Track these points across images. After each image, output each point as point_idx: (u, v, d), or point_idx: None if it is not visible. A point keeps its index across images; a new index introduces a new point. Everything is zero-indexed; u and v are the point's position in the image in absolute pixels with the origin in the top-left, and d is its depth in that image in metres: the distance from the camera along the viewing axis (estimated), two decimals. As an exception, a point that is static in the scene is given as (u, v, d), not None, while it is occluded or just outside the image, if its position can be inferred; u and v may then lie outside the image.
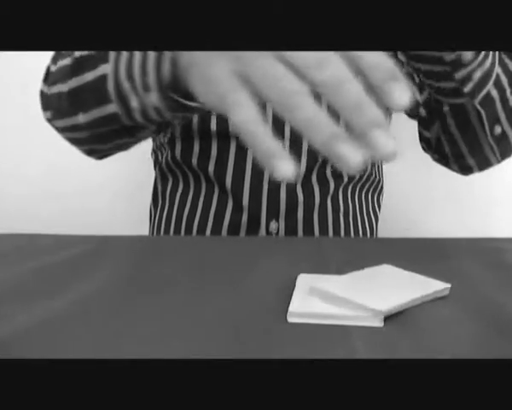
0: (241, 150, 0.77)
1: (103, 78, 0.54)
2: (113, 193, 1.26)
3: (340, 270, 0.52)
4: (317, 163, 0.78)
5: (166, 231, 0.84)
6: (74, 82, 0.59)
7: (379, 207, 0.91)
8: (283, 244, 0.63)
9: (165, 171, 0.85)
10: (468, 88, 0.58)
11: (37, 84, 0.66)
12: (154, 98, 0.50)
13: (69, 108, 0.60)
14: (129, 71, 0.51)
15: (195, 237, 0.77)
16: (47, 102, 0.65)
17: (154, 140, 0.89)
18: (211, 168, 0.79)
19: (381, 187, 0.91)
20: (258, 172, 0.77)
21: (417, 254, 0.59)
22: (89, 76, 0.57)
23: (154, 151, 0.89)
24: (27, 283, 0.52)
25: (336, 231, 0.81)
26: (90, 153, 0.68)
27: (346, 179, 0.81)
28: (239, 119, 0.38)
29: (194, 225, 0.80)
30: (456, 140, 0.67)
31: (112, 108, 0.55)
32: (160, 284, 0.52)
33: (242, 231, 0.79)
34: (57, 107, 0.62)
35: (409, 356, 0.40)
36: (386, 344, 0.42)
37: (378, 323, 0.44)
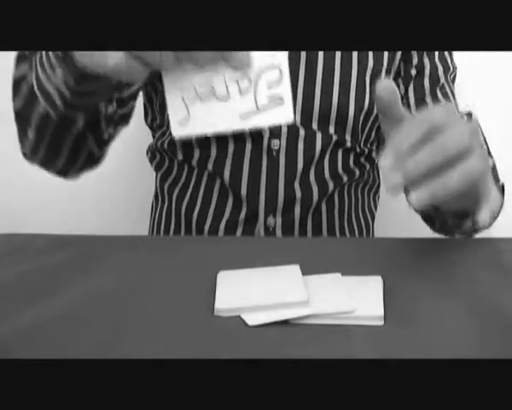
0: (240, 146, 0.78)
1: (31, 87, 0.61)
2: (113, 193, 1.26)
3: (339, 270, 0.52)
4: (313, 161, 0.78)
5: (167, 224, 0.84)
6: (16, 104, 0.68)
7: (375, 206, 0.91)
8: (283, 244, 0.63)
9: (166, 165, 0.85)
10: (470, 234, 0.62)
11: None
12: (59, 74, 0.54)
13: (21, 131, 0.69)
14: (40, 60, 0.56)
15: (195, 237, 0.77)
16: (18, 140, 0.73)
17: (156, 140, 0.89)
18: (210, 164, 0.79)
19: (378, 187, 0.91)
20: (256, 166, 0.78)
21: (417, 254, 0.59)
22: (23, 89, 0.65)
23: (152, 151, 0.89)
24: (26, 283, 0.52)
25: (331, 229, 0.81)
26: (62, 174, 0.74)
27: (345, 180, 0.82)
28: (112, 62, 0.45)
29: (193, 219, 0.81)
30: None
31: (41, 107, 0.62)
32: (158, 284, 0.52)
33: (240, 226, 0.79)
34: (20, 140, 0.71)
35: (409, 356, 0.40)
36: (386, 344, 0.42)
37: (378, 322, 0.45)
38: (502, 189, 0.71)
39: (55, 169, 0.73)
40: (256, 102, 0.47)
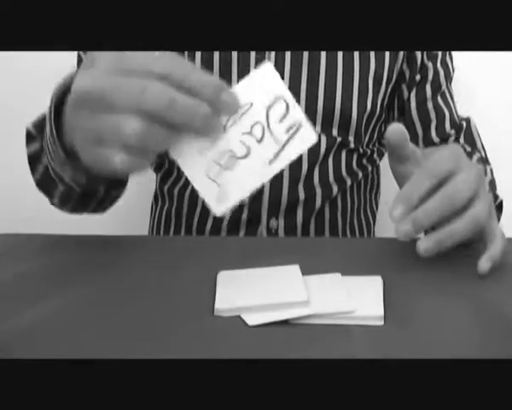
0: None
1: (47, 169, 0.62)
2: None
3: (339, 270, 0.52)
4: (317, 163, 0.78)
5: (167, 226, 0.84)
6: (35, 177, 0.68)
7: (376, 205, 0.92)
8: (283, 244, 0.63)
9: (166, 167, 0.85)
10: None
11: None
12: (69, 171, 0.56)
13: (46, 195, 0.70)
14: (49, 154, 0.57)
15: (195, 237, 0.77)
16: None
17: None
18: None
19: (378, 184, 0.92)
20: None
21: (417, 254, 0.59)
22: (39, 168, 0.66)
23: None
24: (26, 283, 0.52)
25: (333, 231, 0.82)
26: (91, 213, 0.74)
27: (349, 183, 0.82)
28: (114, 166, 0.44)
29: (194, 221, 0.81)
30: None
31: (60, 188, 0.63)
32: (158, 284, 0.52)
33: (242, 228, 0.79)
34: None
35: (409, 356, 0.40)
36: (386, 344, 0.42)
37: (378, 322, 0.45)
38: (500, 205, 0.71)
39: (84, 213, 0.75)
40: (277, 142, 0.46)
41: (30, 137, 0.66)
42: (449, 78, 0.85)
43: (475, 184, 0.52)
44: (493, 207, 0.57)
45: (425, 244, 0.51)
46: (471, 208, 0.52)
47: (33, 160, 0.66)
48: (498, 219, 0.69)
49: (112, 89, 0.43)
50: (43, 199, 0.73)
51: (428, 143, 0.84)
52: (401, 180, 0.56)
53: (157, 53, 0.43)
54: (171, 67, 0.43)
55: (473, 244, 0.56)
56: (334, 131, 0.79)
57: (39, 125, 0.63)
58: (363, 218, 0.87)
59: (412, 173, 0.53)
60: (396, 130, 0.53)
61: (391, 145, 0.54)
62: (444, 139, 0.83)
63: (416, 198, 0.50)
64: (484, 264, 0.53)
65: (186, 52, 0.77)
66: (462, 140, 0.83)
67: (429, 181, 0.51)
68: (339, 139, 0.79)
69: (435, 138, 0.83)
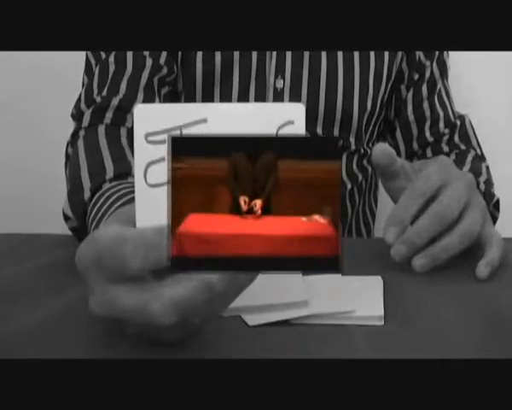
0: None
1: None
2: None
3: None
4: None
5: None
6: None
7: (375, 203, 0.92)
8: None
9: None
10: None
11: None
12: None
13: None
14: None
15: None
16: None
17: None
18: None
19: (376, 185, 0.92)
20: None
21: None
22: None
23: None
24: (27, 283, 0.52)
25: None
26: None
27: (349, 187, 0.82)
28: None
29: None
30: None
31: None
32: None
33: None
34: None
35: (409, 356, 0.40)
36: (386, 344, 0.42)
37: (378, 322, 0.45)
38: (497, 204, 0.71)
39: None
40: None
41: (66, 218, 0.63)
42: (445, 74, 0.86)
43: (465, 196, 0.53)
44: (487, 213, 0.58)
45: (420, 261, 0.53)
46: (463, 221, 0.53)
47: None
48: (497, 218, 0.69)
49: (125, 318, 0.37)
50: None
51: (422, 142, 0.84)
52: (394, 195, 0.57)
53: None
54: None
55: (470, 251, 0.56)
56: (336, 133, 0.79)
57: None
58: (362, 219, 0.87)
59: (404, 188, 0.54)
60: (382, 150, 0.54)
61: (379, 166, 0.55)
62: (438, 139, 0.83)
63: (407, 219, 0.52)
64: (483, 270, 0.53)
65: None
66: (456, 138, 0.83)
67: (419, 200, 0.52)
68: (340, 142, 0.79)
69: (429, 138, 0.83)
